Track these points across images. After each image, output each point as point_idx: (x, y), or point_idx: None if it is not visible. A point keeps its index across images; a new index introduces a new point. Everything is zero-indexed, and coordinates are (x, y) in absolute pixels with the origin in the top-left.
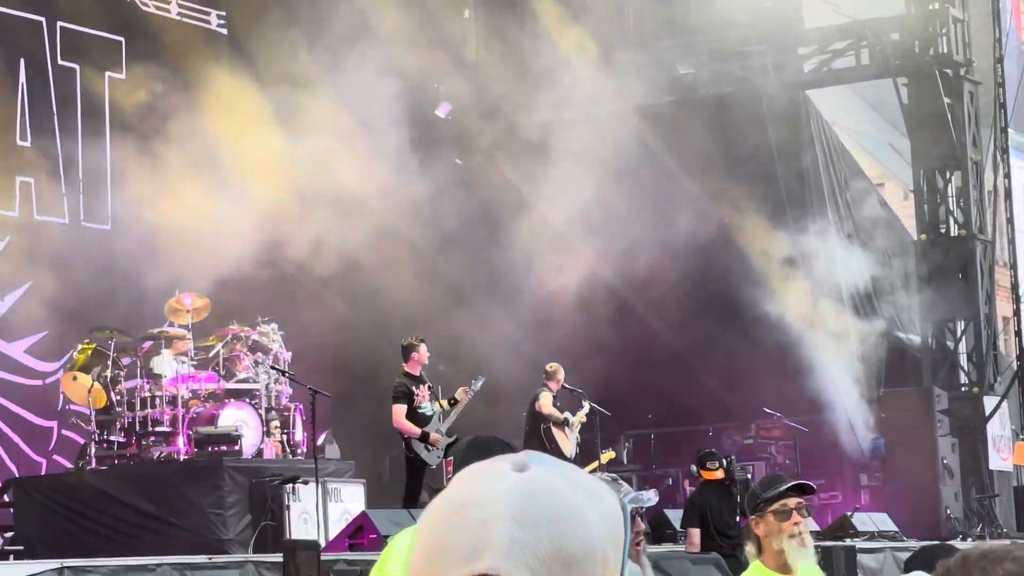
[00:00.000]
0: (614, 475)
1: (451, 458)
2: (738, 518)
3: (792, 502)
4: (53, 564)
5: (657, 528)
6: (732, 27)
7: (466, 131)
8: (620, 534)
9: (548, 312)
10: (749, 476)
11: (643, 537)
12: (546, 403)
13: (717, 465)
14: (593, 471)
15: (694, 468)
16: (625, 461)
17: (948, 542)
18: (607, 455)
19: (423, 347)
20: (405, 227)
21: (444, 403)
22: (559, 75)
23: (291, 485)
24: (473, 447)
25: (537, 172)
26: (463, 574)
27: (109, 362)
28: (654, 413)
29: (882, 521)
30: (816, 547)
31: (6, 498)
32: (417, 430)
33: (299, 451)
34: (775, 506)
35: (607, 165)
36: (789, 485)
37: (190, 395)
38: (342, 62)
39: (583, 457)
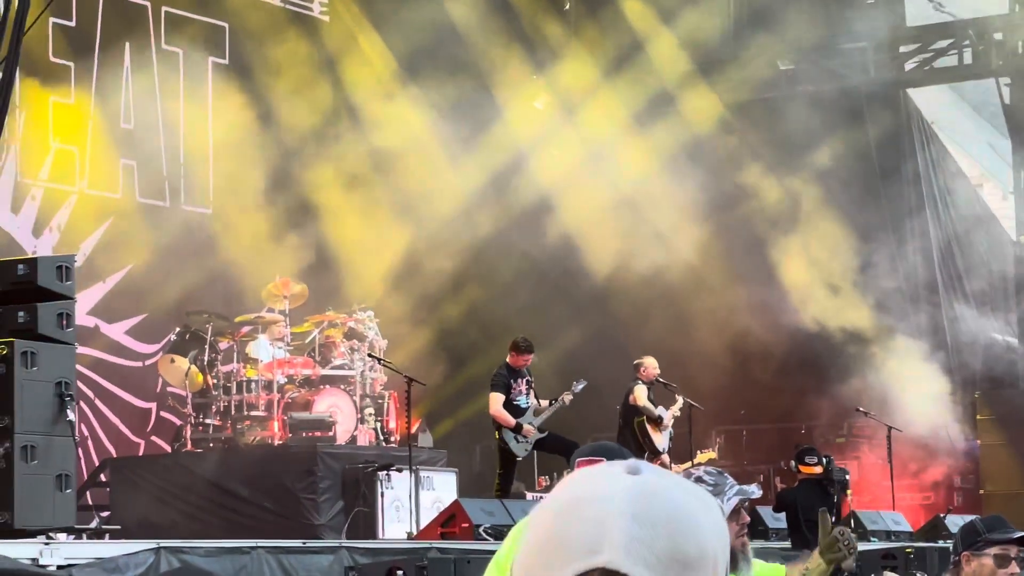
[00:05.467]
0: (720, 469)
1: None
2: (832, 518)
3: (1014, 550)
4: (150, 544)
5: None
6: (833, 23)
7: None
8: (727, 544)
9: (642, 306)
10: (847, 477)
11: (746, 529)
12: (640, 396)
13: (816, 461)
14: (693, 467)
15: (793, 463)
16: (718, 458)
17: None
18: (706, 454)
19: (529, 357)
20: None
21: (543, 403)
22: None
23: (384, 472)
24: (598, 451)
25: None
26: (581, 567)
27: (206, 346)
28: (746, 409)
29: None
30: (909, 548)
31: (103, 478)
32: (512, 420)
33: (392, 439)
34: (996, 550)
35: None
36: (1020, 535)
37: (285, 380)
38: None
39: (676, 452)
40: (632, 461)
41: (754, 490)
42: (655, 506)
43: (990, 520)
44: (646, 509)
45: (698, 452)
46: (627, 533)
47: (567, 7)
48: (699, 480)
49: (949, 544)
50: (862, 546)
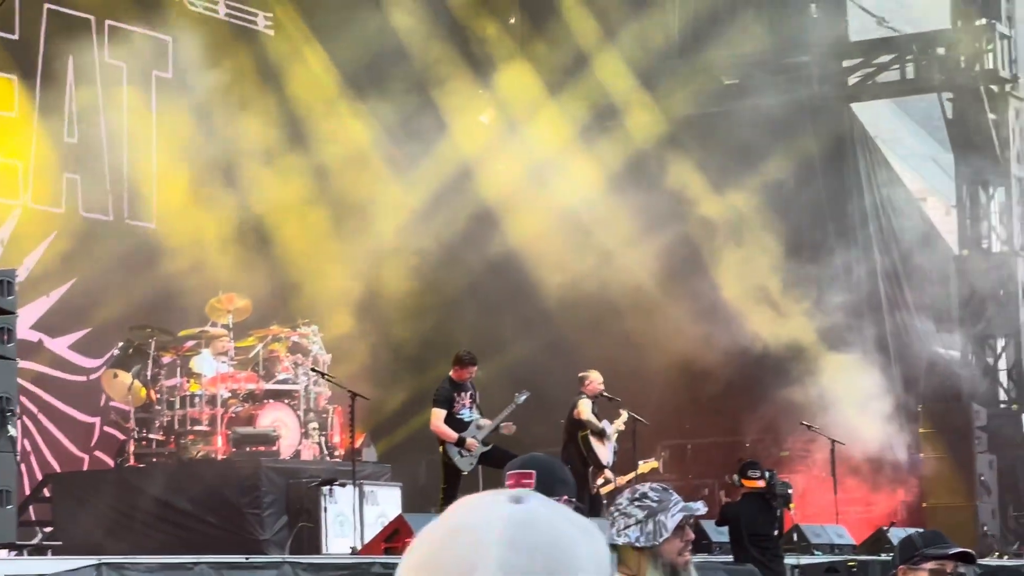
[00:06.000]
0: (666, 485)
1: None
2: (775, 531)
3: (950, 566)
4: (91, 560)
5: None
6: (777, 38)
7: None
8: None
9: (588, 321)
10: (790, 491)
11: (690, 546)
12: (584, 410)
13: (759, 475)
14: (632, 481)
15: (735, 477)
16: (661, 470)
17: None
18: (648, 464)
19: (472, 368)
20: None
21: (484, 422)
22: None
23: (328, 487)
24: (529, 463)
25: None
26: None
27: (149, 360)
28: (691, 424)
29: None
30: (852, 561)
31: (46, 493)
32: (452, 435)
33: (336, 453)
34: (932, 564)
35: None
36: (956, 551)
37: (229, 395)
38: None
39: (621, 466)
40: (518, 491)
41: (699, 506)
42: (533, 534)
43: (928, 535)
44: (523, 536)
45: (640, 462)
46: (501, 559)
47: (512, 21)
48: (644, 496)
49: (891, 557)
50: (805, 559)
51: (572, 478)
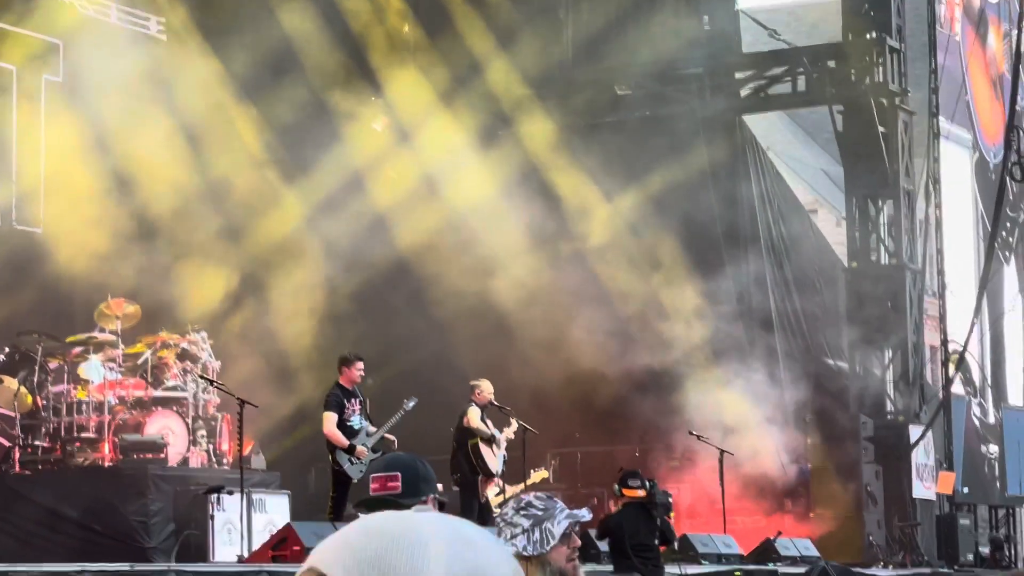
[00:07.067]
0: (550, 493)
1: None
2: (656, 541)
3: None
4: None
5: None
6: (670, 49)
7: None
8: None
9: (479, 330)
10: (671, 500)
11: (577, 553)
12: (474, 418)
13: (639, 484)
14: (524, 490)
15: (616, 487)
16: (551, 480)
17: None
18: (539, 474)
19: (358, 364)
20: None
21: (372, 430)
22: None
23: (216, 495)
24: (393, 464)
25: None
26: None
27: (36, 366)
28: (581, 433)
29: (805, 547)
30: (739, 572)
31: None
32: (345, 440)
33: (225, 461)
34: None
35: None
36: None
37: (117, 401)
38: None
39: (510, 474)
40: (413, 509)
41: (584, 513)
42: (460, 530)
43: (840, 570)
44: (454, 534)
45: (531, 471)
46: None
47: (406, 30)
48: (529, 504)
49: (778, 567)
50: (693, 569)
51: (434, 474)
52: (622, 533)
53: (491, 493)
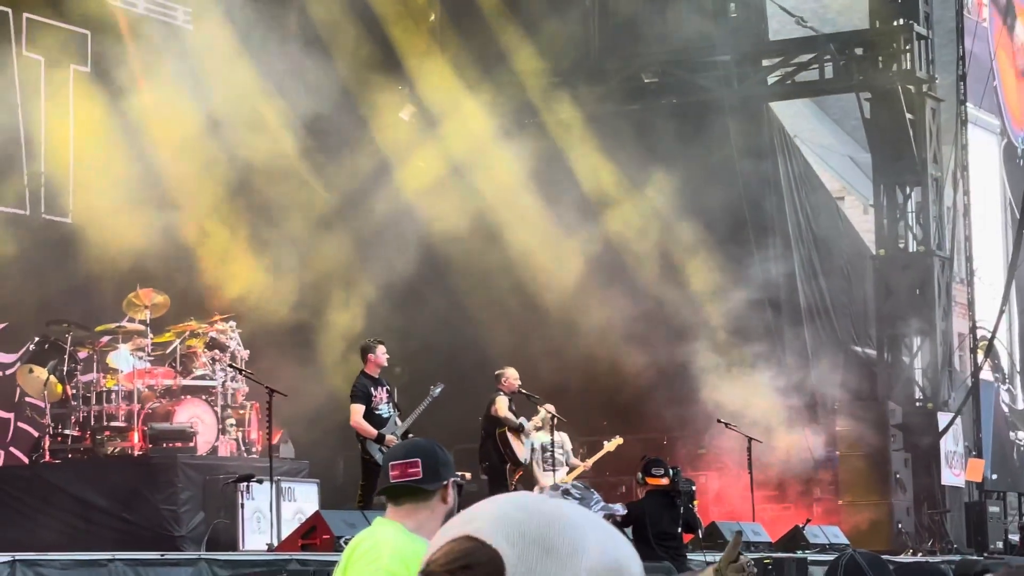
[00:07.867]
0: (587, 484)
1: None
2: (679, 529)
3: None
4: (5, 557)
5: None
6: (697, 36)
7: None
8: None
9: (507, 319)
10: (694, 488)
11: None
12: (501, 407)
13: (663, 472)
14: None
15: (640, 475)
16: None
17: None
18: (614, 442)
19: (381, 348)
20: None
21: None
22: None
23: (245, 483)
24: (412, 451)
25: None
26: (454, 534)
27: (65, 356)
28: (609, 421)
29: (834, 534)
30: (767, 559)
31: None
32: (373, 431)
33: (254, 449)
34: None
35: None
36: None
37: (146, 390)
38: None
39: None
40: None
41: (619, 508)
42: (539, 502)
43: (870, 559)
44: (529, 502)
45: (605, 442)
46: (501, 511)
47: (432, 18)
48: (567, 493)
49: (807, 555)
50: (717, 556)
51: (452, 458)
52: (645, 521)
53: (563, 473)
